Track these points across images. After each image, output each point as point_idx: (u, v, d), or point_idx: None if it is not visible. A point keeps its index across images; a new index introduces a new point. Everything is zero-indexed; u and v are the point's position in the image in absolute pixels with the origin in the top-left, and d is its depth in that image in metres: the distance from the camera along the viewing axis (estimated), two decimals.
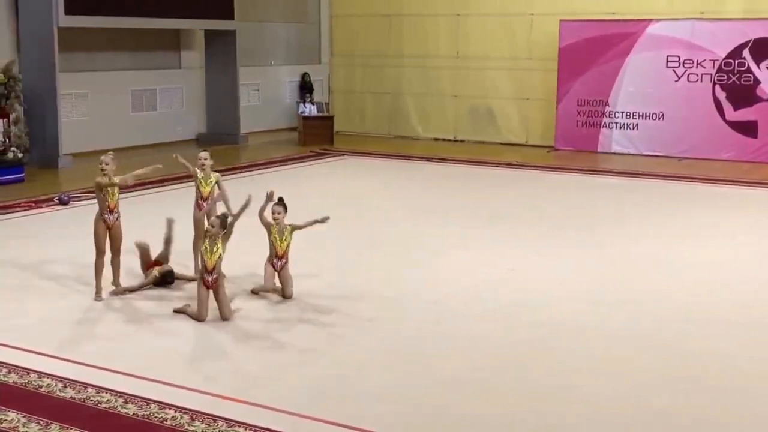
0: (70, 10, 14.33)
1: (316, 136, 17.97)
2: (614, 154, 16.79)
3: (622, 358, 6.37)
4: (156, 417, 5.26)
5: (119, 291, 7.66)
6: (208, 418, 5.23)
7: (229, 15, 17.49)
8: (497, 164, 15.65)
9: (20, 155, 13.41)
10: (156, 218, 8.58)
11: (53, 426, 5.12)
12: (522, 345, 6.63)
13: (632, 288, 8.09)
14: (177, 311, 7.20)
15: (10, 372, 5.92)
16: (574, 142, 17.24)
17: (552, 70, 17.30)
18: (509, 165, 15.57)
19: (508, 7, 18.05)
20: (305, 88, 19.94)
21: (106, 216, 7.53)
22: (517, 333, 6.89)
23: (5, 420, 5.19)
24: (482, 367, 6.19)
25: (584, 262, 9.00)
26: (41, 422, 5.16)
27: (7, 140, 13.42)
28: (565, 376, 6.02)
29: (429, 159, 16.25)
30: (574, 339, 6.76)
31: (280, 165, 15.43)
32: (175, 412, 5.32)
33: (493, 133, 18.58)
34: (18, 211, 11.12)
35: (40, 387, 5.70)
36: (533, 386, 5.86)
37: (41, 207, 11.36)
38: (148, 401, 5.46)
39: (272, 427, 5.13)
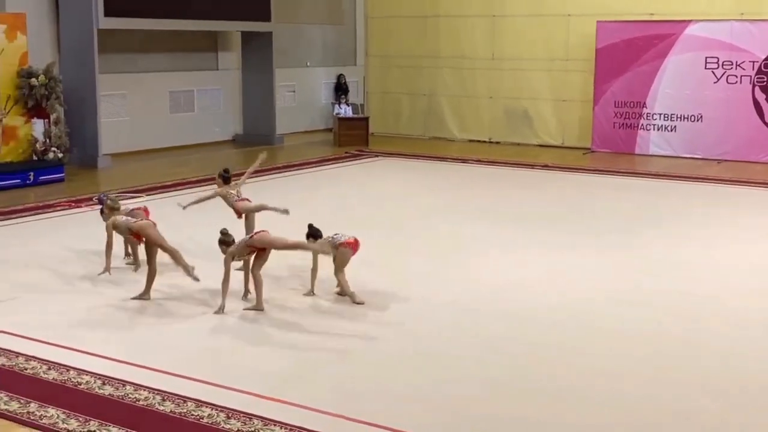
0: (109, 12, 14.54)
1: (351, 138, 18.02)
2: (652, 156, 16.63)
3: (659, 362, 6.30)
4: (192, 414, 5.32)
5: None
6: (243, 416, 5.28)
7: (265, 17, 17.61)
8: (533, 166, 15.58)
9: (60, 155, 13.64)
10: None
11: (92, 422, 5.19)
12: (556, 347, 6.60)
13: (669, 291, 8.00)
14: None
15: (50, 369, 6.02)
16: (611, 144, 17.11)
17: (589, 71, 17.20)
18: (545, 167, 15.50)
19: (545, 8, 17.97)
20: (341, 89, 20.02)
21: None
22: (552, 335, 6.85)
23: (45, 416, 5.28)
24: (515, 368, 6.18)
25: (620, 264, 8.93)
26: (80, 418, 5.24)
27: (47, 140, 13.64)
28: (598, 379, 5.98)
29: (464, 160, 16.22)
30: (609, 342, 6.71)
31: (316, 166, 15.50)
32: (212, 410, 5.37)
33: (529, 135, 18.51)
34: (58, 210, 11.30)
35: (80, 384, 5.78)
36: (566, 389, 5.82)
37: (81, 206, 11.53)
38: (185, 399, 5.52)
39: (306, 426, 5.16)
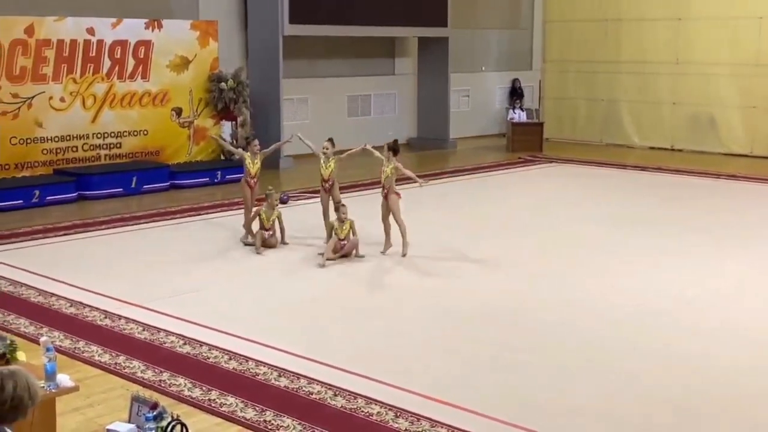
0: (294, 20, 15.12)
1: (525, 143, 17.80)
2: None
3: None
4: (362, 411, 5.42)
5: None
6: (411, 416, 5.33)
7: (442, 22, 17.74)
8: (718, 175, 14.83)
9: None
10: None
11: (268, 413, 5.40)
12: (737, 370, 6.23)
13: None
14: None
15: (230, 359, 6.32)
16: None
17: None
18: (732, 176, 14.71)
19: (735, 11, 17.05)
20: (515, 94, 19.84)
21: (249, 180, 9.93)
22: (737, 357, 6.48)
23: (225, 404, 5.54)
24: (693, 388, 5.88)
25: None
26: (257, 408, 5.47)
27: (234, 141, 14.34)
28: None
29: (643, 168, 15.66)
30: None
31: (487, 171, 15.43)
32: (381, 407, 5.46)
33: (715, 143, 17.62)
34: (242, 208, 11.80)
35: (257, 374, 6.03)
36: (753, 415, 5.50)
37: (261, 205, 12.00)
38: (356, 395, 5.64)
39: (471, 430, 5.14)
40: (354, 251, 9.15)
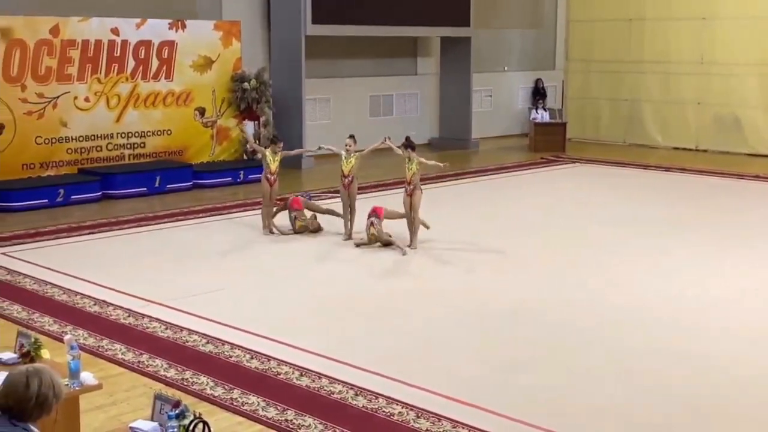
0: (317, 20, 15.14)
1: (547, 143, 17.73)
2: None
3: None
4: (383, 411, 5.43)
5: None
6: (432, 416, 5.32)
7: (465, 22, 17.70)
8: (742, 176, 14.69)
9: None
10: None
11: (289, 412, 5.41)
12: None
13: None
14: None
15: (252, 358, 6.34)
16: None
17: None
18: (756, 177, 14.57)
19: (760, 10, 16.88)
20: (538, 94, 19.77)
21: (268, 176, 10.13)
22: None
23: (247, 403, 5.56)
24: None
25: None
26: (279, 407, 5.49)
27: (257, 141, 14.38)
28: None
29: (667, 169, 15.55)
30: None
31: (509, 171, 15.38)
32: (402, 408, 5.46)
33: (740, 143, 17.45)
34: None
35: (279, 374, 6.05)
36: (753, 415, 5.44)
37: (281, 204, 12.04)
38: (377, 395, 5.64)
39: (492, 431, 5.13)
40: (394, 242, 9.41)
